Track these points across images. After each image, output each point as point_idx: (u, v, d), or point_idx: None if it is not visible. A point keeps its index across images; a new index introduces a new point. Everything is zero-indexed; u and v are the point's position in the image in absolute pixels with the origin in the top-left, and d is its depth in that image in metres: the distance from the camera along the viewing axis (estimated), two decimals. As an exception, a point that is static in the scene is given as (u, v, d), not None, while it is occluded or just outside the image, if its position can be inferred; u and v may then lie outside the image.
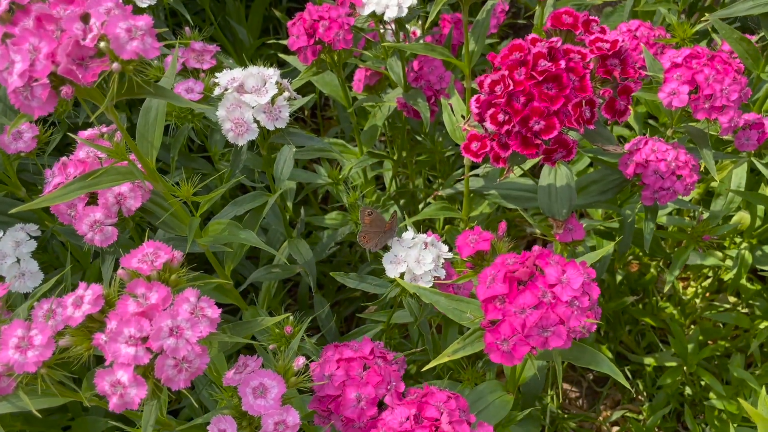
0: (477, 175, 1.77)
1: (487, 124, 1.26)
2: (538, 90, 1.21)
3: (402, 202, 2.34)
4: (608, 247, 1.22)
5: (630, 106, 1.29)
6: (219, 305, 1.02)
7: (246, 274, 2.08)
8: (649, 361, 2.23)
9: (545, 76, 1.21)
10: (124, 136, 1.14)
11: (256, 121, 1.40)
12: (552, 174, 1.54)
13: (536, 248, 1.14)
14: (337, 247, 2.21)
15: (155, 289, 0.97)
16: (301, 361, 1.15)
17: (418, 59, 1.97)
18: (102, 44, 0.92)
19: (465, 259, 1.28)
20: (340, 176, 1.89)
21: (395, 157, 2.22)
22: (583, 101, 1.22)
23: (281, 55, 1.97)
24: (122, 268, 1.01)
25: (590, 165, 2.41)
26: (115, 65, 0.92)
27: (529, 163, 1.51)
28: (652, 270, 2.37)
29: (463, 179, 1.78)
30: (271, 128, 1.42)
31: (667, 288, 1.87)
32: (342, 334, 2.25)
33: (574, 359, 1.20)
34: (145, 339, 0.94)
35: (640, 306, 2.36)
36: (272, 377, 1.09)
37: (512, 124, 1.23)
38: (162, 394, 0.97)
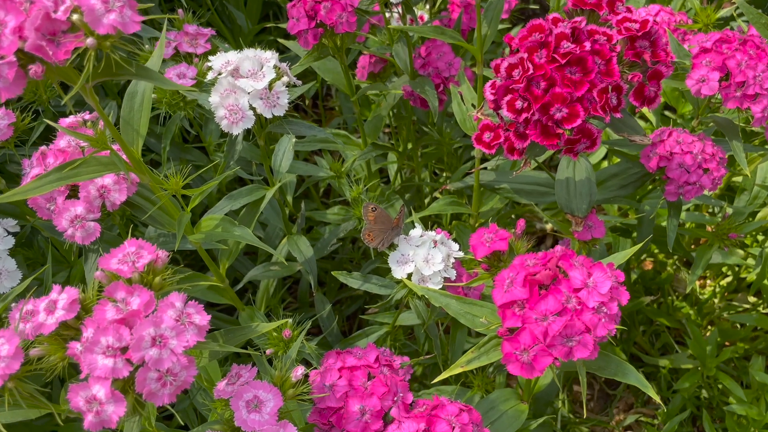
0: (486, 168, 1.67)
1: (504, 112, 1.16)
2: (561, 74, 1.11)
3: (407, 196, 2.23)
4: (635, 248, 1.12)
5: (660, 93, 1.18)
6: (213, 305, 0.92)
7: (243, 271, 1.98)
8: (664, 363, 2.13)
9: (568, 59, 1.10)
10: (106, 123, 1.03)
11: (252, 108, 1.29)
12: (570, 167, 1.44)
13: (558, 248, 1.04)
14: (339, 243, 2.10)
15: (136, 294, 0.87)
16: (300, 371, 1.05)
17: (425, 44, 1.86)
18: (75, 17, 0.82)
19: (480, 259, 1.18)
20: (343, 169, 1.79)
21: (400, 149, 2.11)
22: (610, 87, 1.12)
23: (281, 41, 1.87)
24: (100, 269, 0.91)
25: (604, 157, 2.31)
26: (90, 41, 0.82)
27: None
28: (669, 268, 2.26)
29: (472, 172, 1.68)
30: (269, 116, 1.31)
31: (688, 289, 1.77)
32: (344, 335, 2.15)
33: (597, 369, 1.10)
34: (124, 349, 0.84)
35: (655, 305, 2.26)
36: (268, 389, 0.99)
37: (531, 111, 1.13)
38: (144, 411, 0.87)
